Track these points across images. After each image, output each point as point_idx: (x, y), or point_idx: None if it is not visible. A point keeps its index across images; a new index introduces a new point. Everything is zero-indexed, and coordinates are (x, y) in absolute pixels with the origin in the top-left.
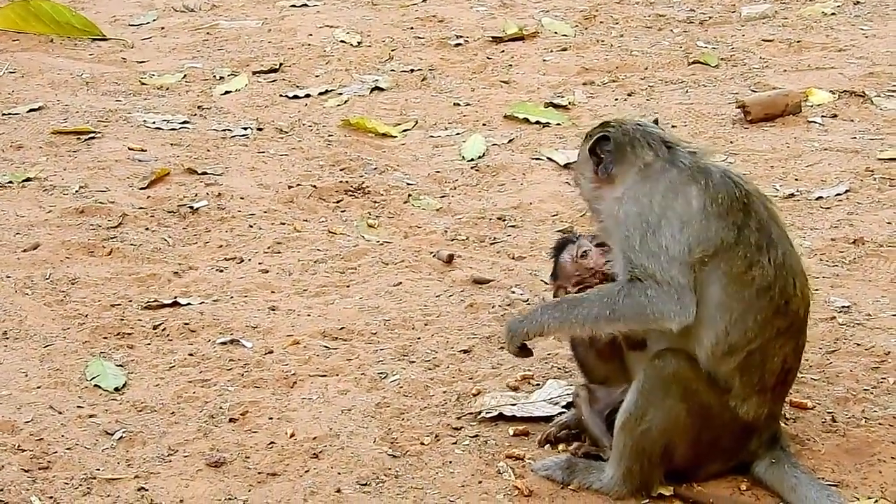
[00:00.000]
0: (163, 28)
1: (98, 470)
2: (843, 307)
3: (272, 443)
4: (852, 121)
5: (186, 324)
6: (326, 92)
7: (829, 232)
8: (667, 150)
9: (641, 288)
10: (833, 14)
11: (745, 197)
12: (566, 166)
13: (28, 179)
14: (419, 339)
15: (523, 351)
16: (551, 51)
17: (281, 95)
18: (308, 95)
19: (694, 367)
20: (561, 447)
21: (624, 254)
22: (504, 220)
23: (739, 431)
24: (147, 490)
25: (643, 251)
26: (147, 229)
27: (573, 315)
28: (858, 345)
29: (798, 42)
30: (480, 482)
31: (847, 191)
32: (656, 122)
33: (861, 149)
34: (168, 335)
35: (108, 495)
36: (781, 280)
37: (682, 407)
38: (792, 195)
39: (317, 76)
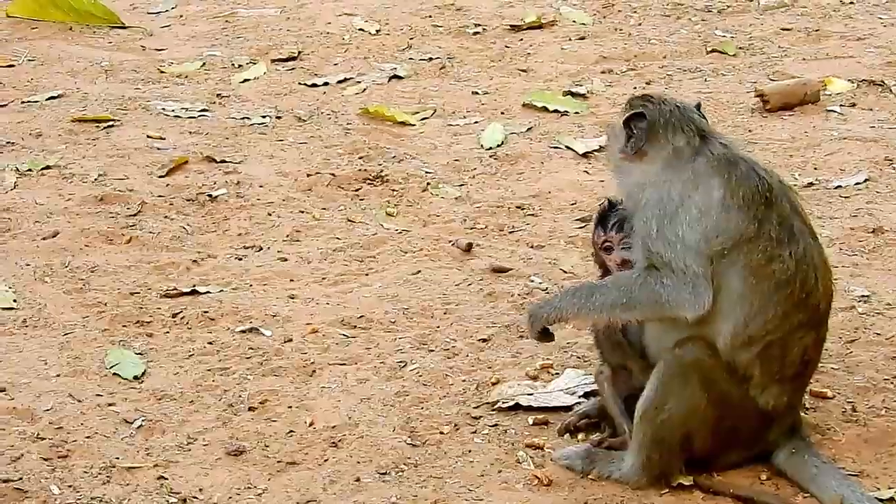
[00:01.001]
0: (181, 16)
1: (117, 458)
2: (863, 296)
3: (291, 431)
4: (871, 110)
5: (205, 312)
6: (345, 80)
7: (849, 221)
8: (699, 138)
9: (657, 276)
10: (851, 3)
11: (767, 191)
12: (585, 155)
13: (47, 167)
14: (438, 327)
15: (545, 335)
16: (569, 39)
17: (299, 83)
18: (326, 84)
19: (714, 357)
20: (580, 437)
21: (642, 239)
22: (523, 209)
23: (759, 420)
24: (166, 479)
25: (660, 238)
26: (166, 217)
27: (591, 302)
28: (878, 334)
29: (816, 31)
30: (500, 471)
31: (866, 180)
32: (699, 106)
33: (880, 138)
34: (187, 323)
35: (128, 484)
36: (802, 274)
37: (701, 396)
38: (811, 184)
39: (335, 64)
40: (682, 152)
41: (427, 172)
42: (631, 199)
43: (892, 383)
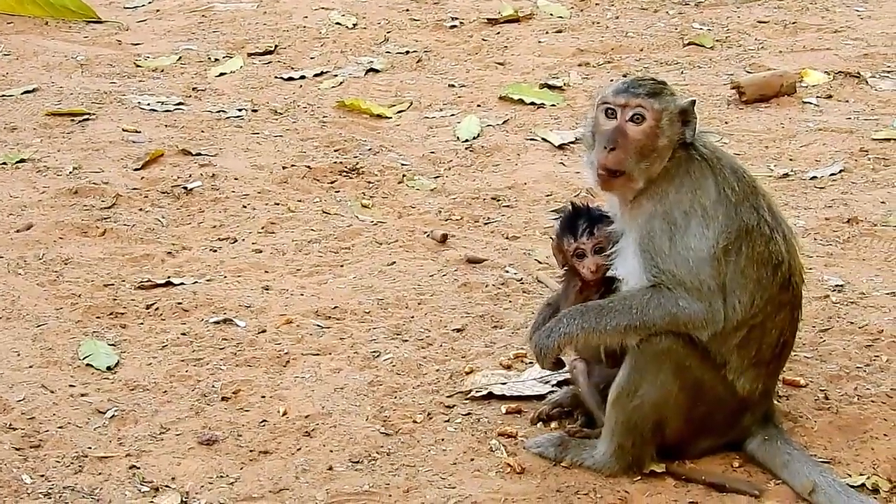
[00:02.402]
0: (158, 10)
1: (90, 448)
2: (837, 286)
3: (264, 421)
4: (847, 101)
5: (179, 303)
6: (321, 74)
7: (824, 211)
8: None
9: (672, 298)
10: None
11: (751, 180)
12: (561, 147)
13: (22, 160)
14: (412, 318)
15: (558, 364)
16: (547, 32)
17: (276, 77)
18: (303, 77)
19: (687, 343)
20: (553, 425)
21: (649, 256)
22: (498, 200)
23: (732, 407)
24: (139, 468)
25: (672, 255)
26: (141, 210)
27: (601, 325)
28: (852, 323)
29: (793, 23)
30: (472, 460)
31: (841, 171)
32: (693, 104)
33: (855, 129)
34: (161, 315)
35: (100, 473)
36: (789, 255)
37: (674, 382)
38: (786, 175)
39: (312, 58)
40: (679, 155)
41: (403, 164)
42: (624, 210)
43: (864, 371)
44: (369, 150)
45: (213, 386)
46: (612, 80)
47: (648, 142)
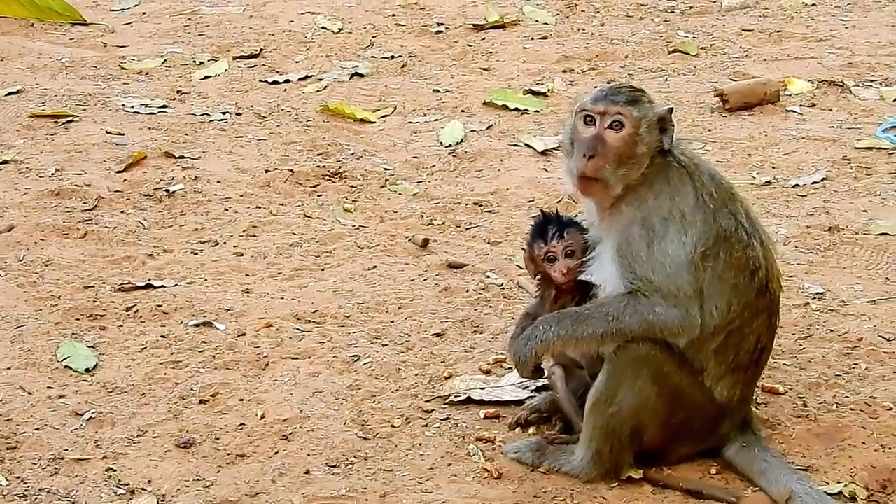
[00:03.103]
0: (144, 13)
1: (66, 450)
2: (817, 293)
3: (242, 424)
4: (830, 110)
5: (159, 306)
6: (306, 78)
7: (805, 219)
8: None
9: (648, 304)
10: (814, 4)
11: (729, 186)
12: (544, 152)
13: (4, 162)
14: (392, 322)
15: (537, 372)
16: (532, 39)
17: (261, 81)
18: (288, 81)
19: (665, 349)
20: (531, 430)
21: (624, 260)
22: (480, 206)
23: (710, 414)
24: (115, 470)
25: (649, 261)
26: (122, 212)
27: (578, 332)
28: (831, 331)
29: (778, 32)
30: (450, 464)
31: (823, 179)
32: (671, 111)
33: (838, 138)
34: (141, 317)
35: (76, 475)
36: (766, 261)
37: (652, 389)
38: (769, 183)
39: (297, 62)
40: (658, 162)
41: (386, 169)
42: (601, 217)
43: (843, 379)
44: (352, 154)
45: (191, 389)
46: (595, 87)
47: (627, 149)
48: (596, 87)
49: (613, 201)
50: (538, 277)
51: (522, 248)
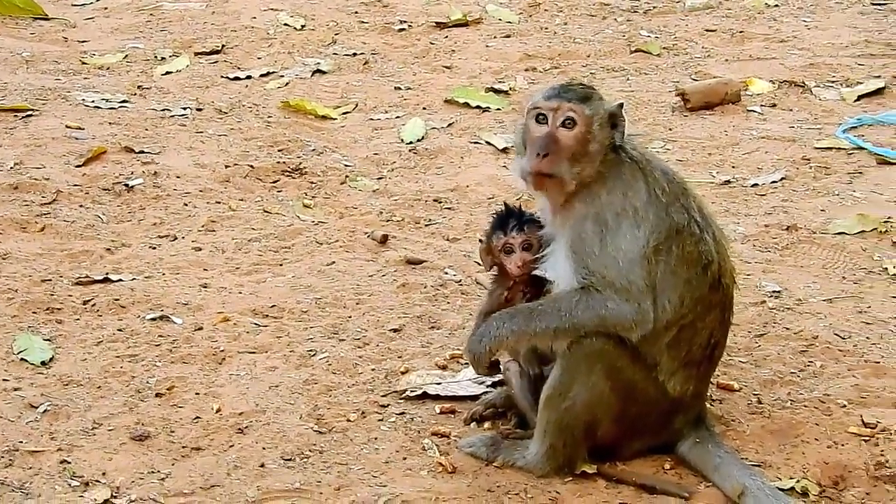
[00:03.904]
0: (105, 8)
1: (21, 442)
2: (774, 292)
3: (198, 418)
4: (791, 110)
5: (117, 300)
6: (268, 74)
7: (763, 218)
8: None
9: (600, 299)
10: (776, 5)
11: (681, 181)
12: (504, 150)
13: None
14: (350, 317)
15: (493, 368)
16: (495, 37)
17: (222, 77)
18: (249, 77)
19: (618, 344)
20: (487, 425)
21: (578, 256)
22: (440, 203)
23: (664, 409)
24: (70, 462)
25: (602, 256)
26: (81, 206)
27: (531, 327)
28: (787, 329)
29: (740, 32)
30: (405, 458)
31: (782, 178)
32: (621, 106)
33: (798, 138)
34: (98, 310)
35: (30, 467)
36: (719, 255)
37: (605, 384)
38: (728, 182)
39: (259, 58)
40: (611, 158)
41: (346, 165)
42: (555, 214)
43: (798, 376)
44: (313, 150)
45: (147, 382)
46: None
47: (580, 147)
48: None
49: (567, 198)
50: (493, 270)
51: (480, 240)
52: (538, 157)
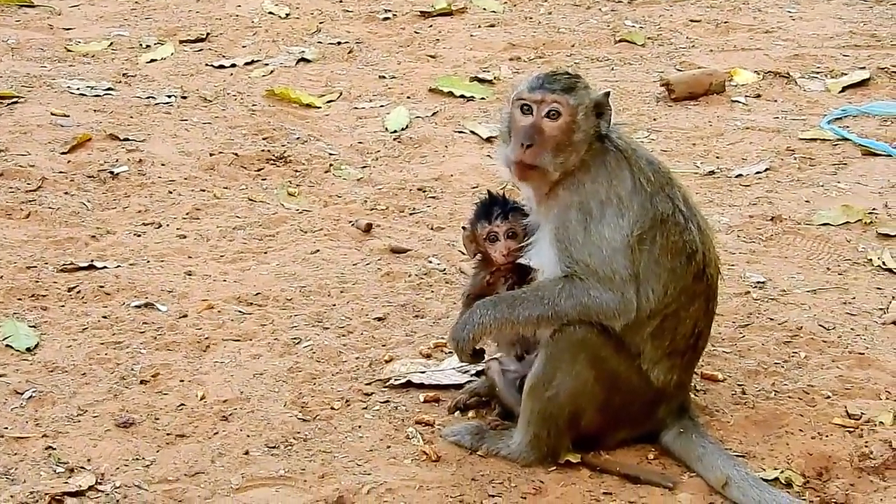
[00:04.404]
0: None
1: (6, 428)
2: (759, 282)
3: (182, 405)
4: (775, 101)
5: (101, 287)
6: (253, 62)
7: (748, 209)
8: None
9: (583, 288)
10: None
11: (667, 171)
12: (489, 139)
13: None
14: (334, 305)
15: (476, 356)
16: (479, 26)
17: (207, 65)
18: (234, 65)
19: (602, 333)
20: (470, 414)
21: (563, 245)
22: (424, 192)
23: (648, 399)
24: (55, 449)
25: (585, 245)
26: (66, 193)
27: (514, 315)
28: (771, 319)
29: (725, 23)
30: (389, 447)
31: (767, 169)
32: (607, 95)
33: (783, 128)
34: (83, 297)
35: (15, 453)
36: (703, 245)
37: (589, 373)
38: (712, 172)
39: (244, 47)
40: (596, 147)
41: (330, 154)
42: (540, 201)
43: (782, 367)
44: (297, 139)
45: (132, 369)
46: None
47: (564, 137)
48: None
49: (551, 186)
50: (477, 258)
51: (463, 227)
52: (522, 147)
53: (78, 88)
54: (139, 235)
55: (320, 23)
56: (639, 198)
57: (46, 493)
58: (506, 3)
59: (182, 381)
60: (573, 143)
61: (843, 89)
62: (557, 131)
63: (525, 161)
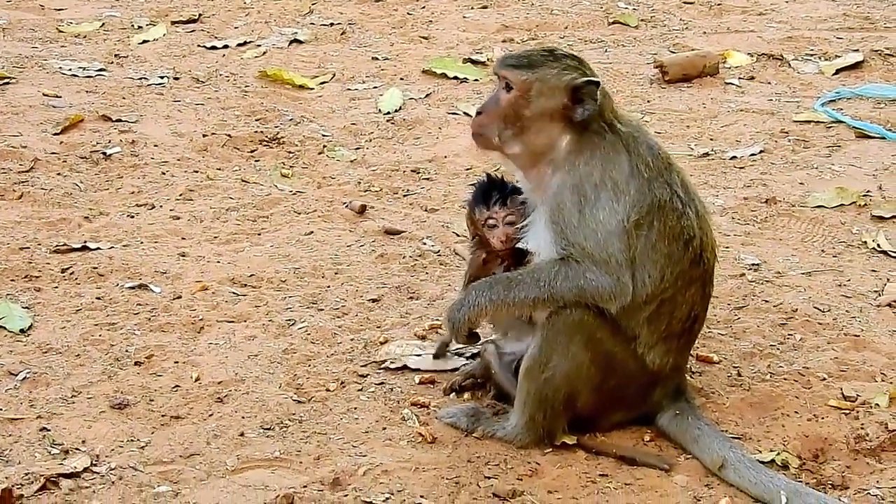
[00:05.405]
0: None
1: (0, 410)
2: (753, 265)
3: (177, 386)
4: (769, 83)
5: (95, 268)
6: (245, 43)
7: (742, 191)
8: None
9: (579, 270)
10: None
11: (666, 156)
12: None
13: None
14: (328, 287)
15: (472, 337)
16: (472, 8)
17: (199, 46)
18: (226, 46)
19: (598, 316)
20: (466, 396)
21: (559, 228)
22: (418, 173)
23: (644, 381)
24: (49, 430)
25: (581, 227)
26: (59, 174)
27: (510, 297)
28: (766, 301)
29: (718, 5)
30: (384, 428)
31: (761, 151)
32: (587, 83)
33: (777, 111)
34: (76, 279)
35: (10, 435)
36: (701, 231)
37: (585, 355)
38: (706, 154)
39: (236, 27)
40: (594, 129)
41: (324, 135)
42: (535, 183)
43: (777, 349)
44: (290, 120)
45: (126, 350)
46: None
47: (511, 110)
48: None
49: (550, 168)
50: (475, 239)
51: (463, 206)
52: (476, 115)
53: (70, 69)
54: (132, 217)
55: (313, 4)
56: (636, 182)
57: (41, 475)
58: None
59: (176, 362)
60: (523, 117)
61: (837, 72)
62: (506, 104)
63: (472, 127)
